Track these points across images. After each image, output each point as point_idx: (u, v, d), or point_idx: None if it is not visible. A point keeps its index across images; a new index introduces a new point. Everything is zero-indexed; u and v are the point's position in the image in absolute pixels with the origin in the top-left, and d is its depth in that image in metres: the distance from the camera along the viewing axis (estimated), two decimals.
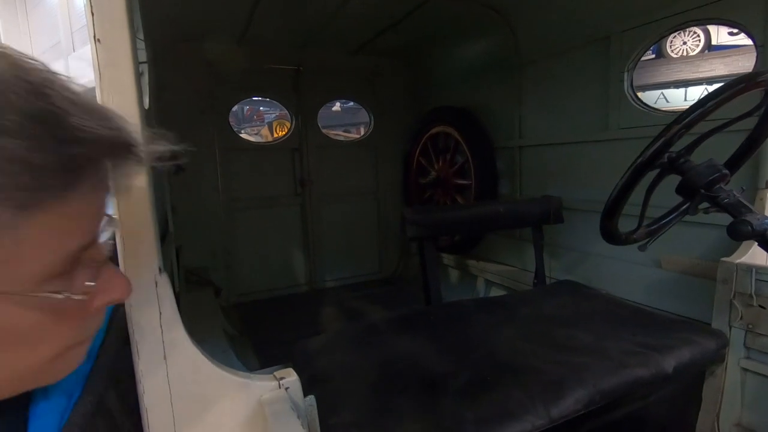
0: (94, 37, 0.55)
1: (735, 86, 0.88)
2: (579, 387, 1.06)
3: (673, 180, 1.01)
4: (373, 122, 3.07)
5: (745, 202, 0.92)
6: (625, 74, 1.74)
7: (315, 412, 0.71)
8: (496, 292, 2.33)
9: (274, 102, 3.15)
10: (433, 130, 2.74)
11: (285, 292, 2.89)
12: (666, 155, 0.97)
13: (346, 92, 3.14)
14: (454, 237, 2.55)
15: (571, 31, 1.89)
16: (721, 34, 7.74)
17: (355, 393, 1.06)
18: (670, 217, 1.08)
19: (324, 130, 3.02)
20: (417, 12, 2.17)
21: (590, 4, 1.77)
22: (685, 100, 7.64)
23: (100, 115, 0.32)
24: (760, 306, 1.25)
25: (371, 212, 3.13)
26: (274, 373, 0.72)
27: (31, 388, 0.39)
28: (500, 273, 2.34)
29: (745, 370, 1.30)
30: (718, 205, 0.93)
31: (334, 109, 9.38)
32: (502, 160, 2.40)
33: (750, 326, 1.27)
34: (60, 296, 0.33)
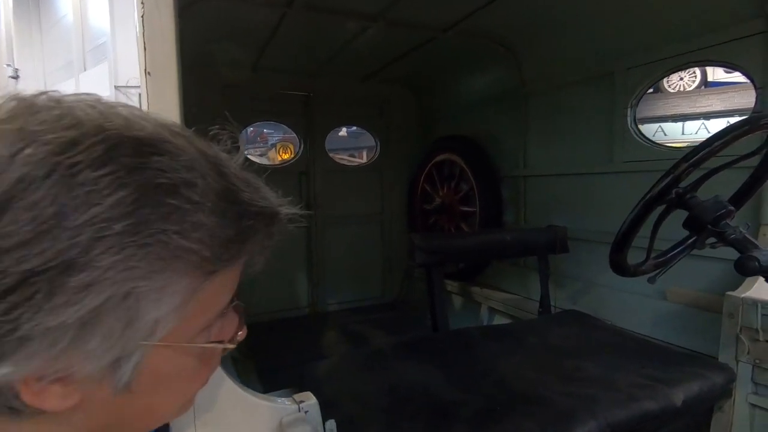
0: (145, 70, 0.59)
1: (740, 128, 0.92)
2: (590, 419, 1.06)
3: (679, 214, 1.04)
4: (379, 148, 3.13)
5: (751, 238, 0.95)
6: (629, 110, 1.80)
7: None
8: (499, 320, 2.33)
9: (278, 124, 3.21)
10: (439, 158, 2.79)
11: (287, 315, 2.88)
12: (674, 191, 1.00)
13: (354, 118, 3.21)
14: (459, 264, 2.56)
15: (577, 66, 1.96)
16: (717, 71, 7.97)
17: (367, 419, 1.05)
18: (677, 250, 1.11)
19: (330, 154, 3.08)
20: (426, 45, 2.26)
21: (596, 41, 1.85)
22: (683, 133, 7.81)
23: (255, 186, 0.36)
24: (766, 341, 1.26)
25: (376, 237, 3.15)
26: (294, 396, 0.73)
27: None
28: (504, 301, 2.34)
29: (754, 405, 1.30)
30: (724, 240, 0.96)
31: (340, 134, 9.54)
32: (507, 188, 2.44)
33: (757, 361, 1.28)
34: (220, 345, 0.37)
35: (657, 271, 1.08)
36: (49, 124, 0.27)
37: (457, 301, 2.72)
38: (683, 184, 1.01)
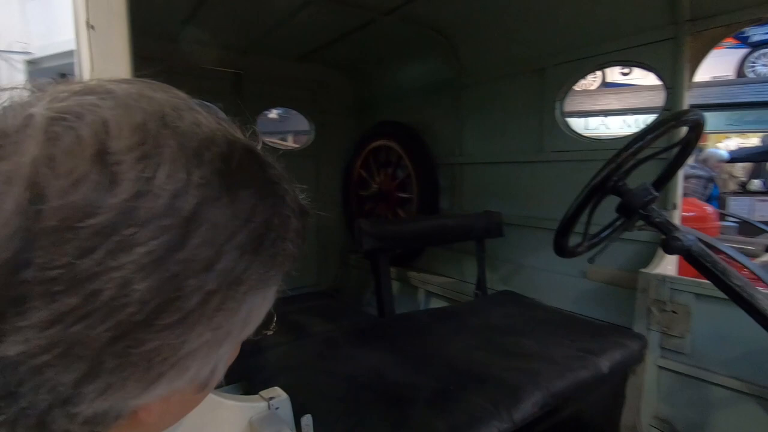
0: (87, 22, 0.50)
1: (668, 122, 1.02)
2: (535, 390, 1.13)
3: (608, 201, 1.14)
4: (314, 132, 3.04)
5: (671, 221, 1.07)
6: (557, 103, 1.93)
7: (311, 431, 0.68)
8: (436, 303, 2.40)
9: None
10: (376, 144, 2.78)
11: None
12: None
13: (288, 101, 3.07)
14: (396, 250, 2.59)
15: (511, 59, 2.05)
16: (614, 73, 8.88)
17: (325, 410, 1.03)
18: (609, 231, 1.22)
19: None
20: (365, 28, 2.22)
21: (528, 37, 1.94)
22: (586, 129, 8.59)
23: (290, 180, 0.34)
24: (673, 311, 1.44)
25: (310, 223, 3.07)
26: (261, 393, 0.68)
27: None
28: (441, 284, 2.42)
29: (661, 368, 1.49)
30: (651, 223, 1.07)
31: (270, 116, 9.11)
32: (444, 175, 2.50)
33: (665, 329, 1.46)
34: None
35: (595, 250, 1.18)
36: (197, 141, 0.25)
37: (395, 286, 2.76)
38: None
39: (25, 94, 0.25)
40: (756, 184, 7.07)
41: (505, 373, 1.21)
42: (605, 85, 9.08)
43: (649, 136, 1.00)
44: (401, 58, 2.56)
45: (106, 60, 0.51)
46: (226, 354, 0.29)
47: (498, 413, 1.05)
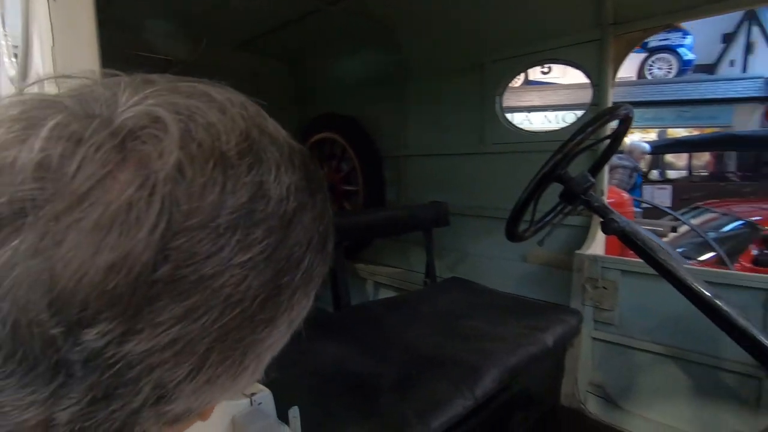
0: None
1: (604, 116, 1.13)
2: (492, 368, 1.20)
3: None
4: None
5: (608, 205, 1.19)
6: (497, 98, 2.04)
7: (298, 423, 0.67)
8: (386, 293, 2.44)
9: None
10: (319, 136, 2.74)
11: None
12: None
13: None
14: (344, 242, 2.59)
15: (453, 55, 2.12)
16: (536, 72, 9.51)
17: (293, 404, 1.01)
18: (552, 216, 1.32)
19: None
20: (309, 18, 2.17)
21: (469, 34, 2.02)
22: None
23: None
24: (603, 287, 1.60)
25: None
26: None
27: None
28: (389, 275, 2.46)
29: (594, 339, 1.65)
30: (590, 207, 1.18)
31: None
32: (389, 168, 2.54)
33: (597, 304, 1.62)
34: None
35: (543, 233, 1.27)
36: (287, 147, 0.26)
37: None
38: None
39: (100, 88, 0.24)
40: (654, 174, 7.97)
41: (463, 355, 1.27)
42: (528, 83, 9.69)
43: (590, 129, 1.10)
44: (345, 50, 2.54)
45: (69, 34, 0.46)
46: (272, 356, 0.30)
47: (461, 392, 1.10)
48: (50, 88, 0.28)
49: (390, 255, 2.55)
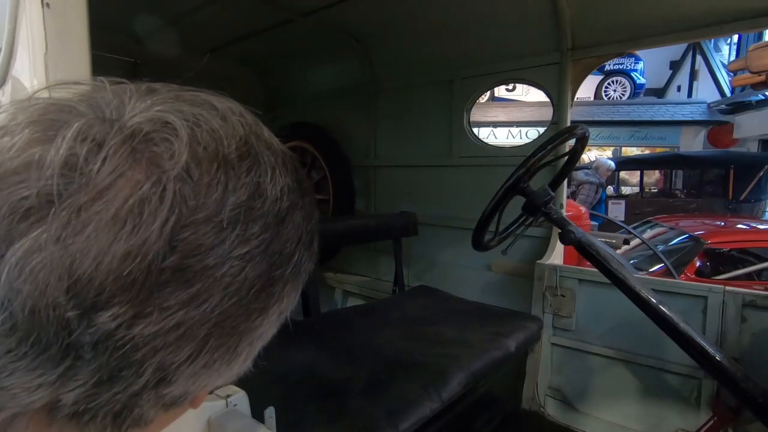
0: (42, 0, 0.46)
1: (563, 135, 1.22)
2: (459, 372, 1.25)
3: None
4: None
5: (566, 217, 1.27)
6: (465, 113, 2.12)
7: (274, 423, 0.69)
8: (354, 302, 2.46)
9: None
10: (289, 145, 2.74)
11: None
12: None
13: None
14: None
15: (423, 69, 2.20)
16: (501, 89, 9.86)
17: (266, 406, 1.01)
18: (515, 227, 1.39)
19: None
20: (281, 28, 2.20)
21: (439, 50, 2.11)
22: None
23: None
24: (562, 295, 1.69)
25: None
26: (216, 391, 0.67)
27: None
28: (358, 283, 2.48)
29: (553, 344, 1.73)
30: (550, 219, 1.26)
31: None
32: (359, 178, 2.57)
33: (556, 311, 1.71)
34: None
35: (507, 243, 1.34)
36: (281, 152, 0.29)
37: None
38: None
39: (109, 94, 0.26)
40: (610, 189, 8.41)
41: (430, 359, 1.32)
42: (494, 99, 10.03)
43: (550, 146, 1.18)
44: (316, 61, 2.57)
45: (63, 40, 0.48)
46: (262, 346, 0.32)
47: (429, 395, 1.14)
48: (44, 93, 0.29)
49: (359, 264, 2.57)
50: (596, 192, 5.38)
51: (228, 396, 0.66)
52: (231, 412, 0.65)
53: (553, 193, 1.27)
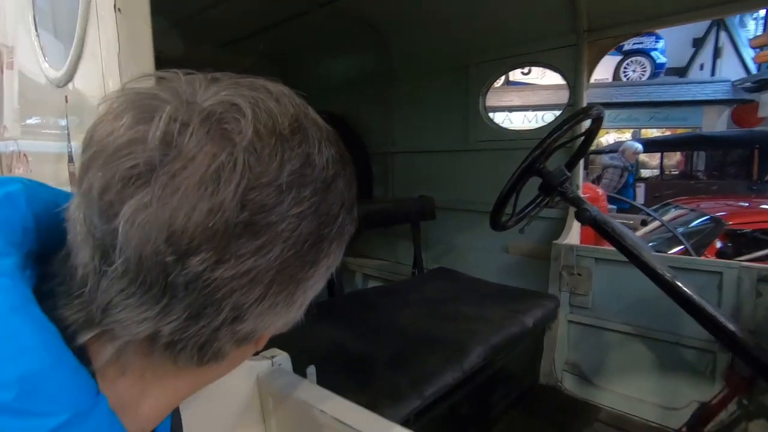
0: (115, 6, 0.53)
1: (578, 115, 1.25)
2: (477, 346, 1.31)
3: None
4: None
5: (582, 197, 1.31)
6: (480, 98, 2.15)
7: (315, 378, 0.76)
8: (374, 284, 2.53)
9: None
10: None
11: None
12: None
13: None
14: None
15: (439, 56, 2.23)
16: (516, 73, 9.72)
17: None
18: (532, 207, 1.43)
19: None
20: (298, 19, 2.24)
21: (455, 36, 2.13)
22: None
23: None
24: (578, 274, 1.73)
25: None
26: (263, 353, 0.75)
27: None
28: (377, 267, 2.56)
29: (570, 322, 1.78)
30: (566, 198, 1.30)
31: None
32: (376, 164, 2.63)
33: (573, 290, 1.75)
34: None
35: (523, 223, 1.39)
36: (325, 127, 0.33)
37: None
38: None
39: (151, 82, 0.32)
40: None
41: (451, 335, 1.38)
42: (508, 83, 9.90)
43: (566, 126, 1.22)
44: (334, 50, 2.62)
45: (132, 41, 0.54)
46: (313, 297, 0.36)
47: (451, 366, 1.20)
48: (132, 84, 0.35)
49: (378, 248, 2.64)
50: (621, 176, 5.24)
51: (273, 357, 0.74)
52: (276, 370, 0.73)
53: (569, 173, 1.30)
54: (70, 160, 0.75)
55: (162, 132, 0.27)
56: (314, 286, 0.33)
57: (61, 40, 0.76)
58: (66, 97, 0.73)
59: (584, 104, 1.80)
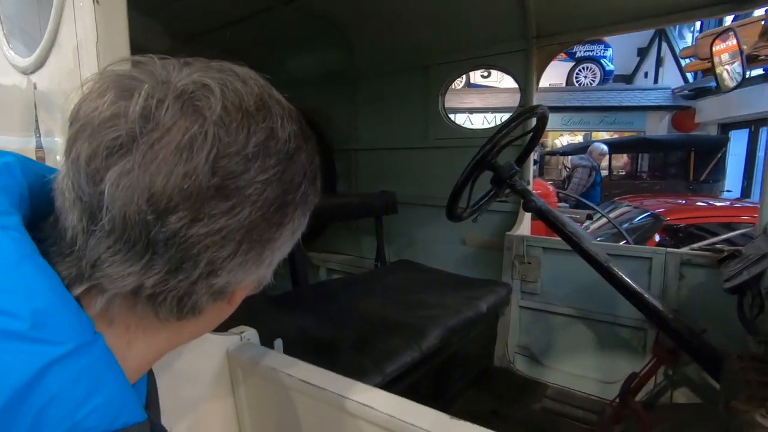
0: None
1: (524, 114, 1.36)
2: (436, 328, 1.40)
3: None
4: None
5: (530, 189, 1.43)
6: (440, 97, 2.25)
7: (281, 350, 0.82)
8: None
9: None
10: None
11: None
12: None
13: None
14: None
15: (401, 56, 2.31)
16: (476, 76, 10.02)
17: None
18: (485, 199, 1.54)
19: None
20: (261, 15, 2.26)
21: (415, 39, 2.22)
22: None
23: None
24: (528, 263, 1.86)
25: None
26: (231, 330, 0.80)
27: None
28: (341, 261, 2.61)
29: (521, 307, 1.91)
30: (515, 191, 1.41)
31: None
32: (340, 160, 2.69)
33: (523, 277, 1.88)
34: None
35: (475, 214, 1.49)
36: (287, 106, 0.36)
37: None
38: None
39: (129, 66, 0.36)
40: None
41: (412, 319, 1.46)
42: (469, 85, 10.20)
43: (513, 124, 1.33)
44: (298, 48, 2.65)
45: (109, 30, 0.58)
46: (280, 259, 0.41)
47: (410, 347, 1.28)
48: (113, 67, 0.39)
49: (342, 243, 2.70)
50: (590, 175, 5.63)
51: (242, 332, 0.79)
52: (245, 344, 0.77)
53: (518, 168, 1.42)
54: (39, 146, 0.76)
55: (141, 107, 0.30)
56: (282, 247, 0.37)
57: (29, 27, 0.78)
58: (35, 84, 0.75)
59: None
